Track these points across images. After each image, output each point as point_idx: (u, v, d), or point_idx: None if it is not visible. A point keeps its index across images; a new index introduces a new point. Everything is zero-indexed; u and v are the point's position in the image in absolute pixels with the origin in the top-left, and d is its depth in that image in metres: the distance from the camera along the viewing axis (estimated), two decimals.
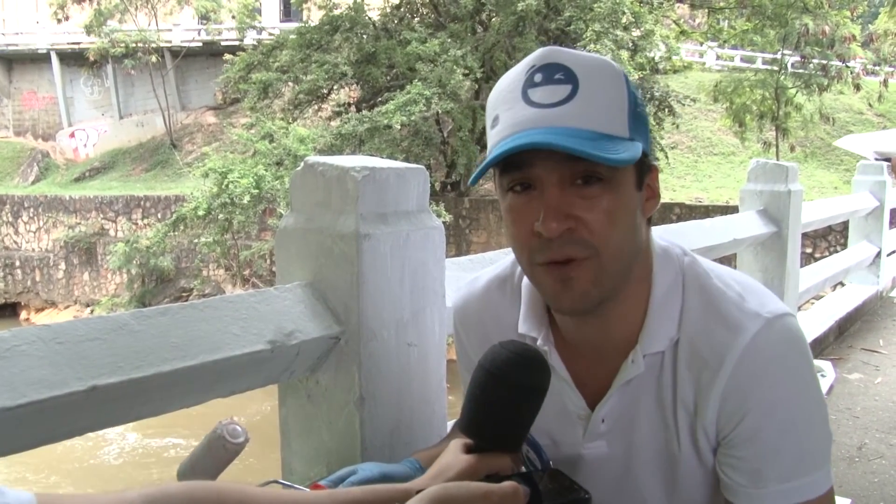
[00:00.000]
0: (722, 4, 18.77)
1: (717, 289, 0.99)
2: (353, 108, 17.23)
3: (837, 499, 1.02)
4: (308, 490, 0.89)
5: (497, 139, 0.91)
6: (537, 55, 0.93)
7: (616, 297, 0.97)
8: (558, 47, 0.94)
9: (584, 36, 14.50)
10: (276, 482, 0.96)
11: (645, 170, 0.95)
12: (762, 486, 0.95)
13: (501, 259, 1.19)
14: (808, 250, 13.71)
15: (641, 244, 0.98)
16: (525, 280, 1.08)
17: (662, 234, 1.07)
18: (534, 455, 0.98)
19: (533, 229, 0.90)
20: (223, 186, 14.92)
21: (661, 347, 0.99)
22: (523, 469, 0.95)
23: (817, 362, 3.73)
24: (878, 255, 5.77)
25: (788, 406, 0.94)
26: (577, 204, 0.89)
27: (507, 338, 0.97)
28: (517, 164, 0.90)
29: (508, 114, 0.91)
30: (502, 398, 0.88)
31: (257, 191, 14.82)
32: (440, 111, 15.16)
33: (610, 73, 0.92)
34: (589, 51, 14.08)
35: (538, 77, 0.90)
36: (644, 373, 1.00)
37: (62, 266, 20.84)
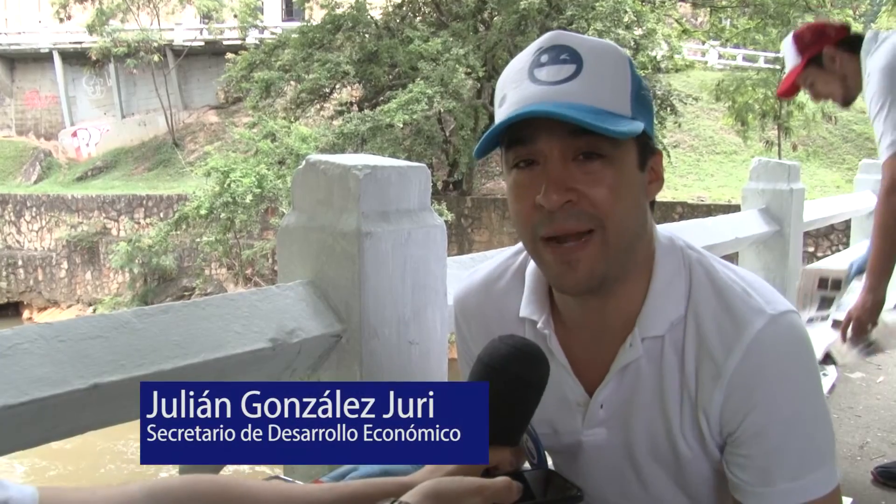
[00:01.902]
0: (724, 3, 18.76)
1: (724, 281, 0.99)
2: (355, 107, 17.24)
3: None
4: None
5: (504, 115, 0.93)
6: (545, 38, 0.95)
7: (620, 277, 0.97)
8: (565, 31, 0.97)
9: (586, 35, 14.49)
10: (278, 478, 0.96)
11: (648, 152, 0.96)
12: (770, 484, 0.95)
13: (500, 254, 1.19)
14: (811, 249, 13.71)
15: (645, 225, 0.99)
16: (529, 265, 1.08)
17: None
18: (532, 445, 0.98)
19: (535, 203, 0.91)
20: (225, 185, 14.95)
21: (660, 331, 0.99)
22: (527, 463, 0.95)
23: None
24: None
25: (793, 402, 0.94)
26: (579, 178, 0.90)
27: (509, 327, 0.97)
28: (521, 139, 0.92)
29: (515, 91, 0.93)
30: (501, 392, 0.88)
31: (259, 190, 14.84)
32: (442, 110, 15.18)
33: (614, 56, 0.94)
34: None
35: (545, 58, 0.93)
36: (644, 359, 1.00)
37: (64, 265, 20.87)
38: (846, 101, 2.34)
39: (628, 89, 0.93)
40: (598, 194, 0.90)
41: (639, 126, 0.91)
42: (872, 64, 2.18)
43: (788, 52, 2.45)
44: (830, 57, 2.32)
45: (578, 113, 0.87)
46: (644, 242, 0.99)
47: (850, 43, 2.30)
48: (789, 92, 2.48)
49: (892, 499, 2.41)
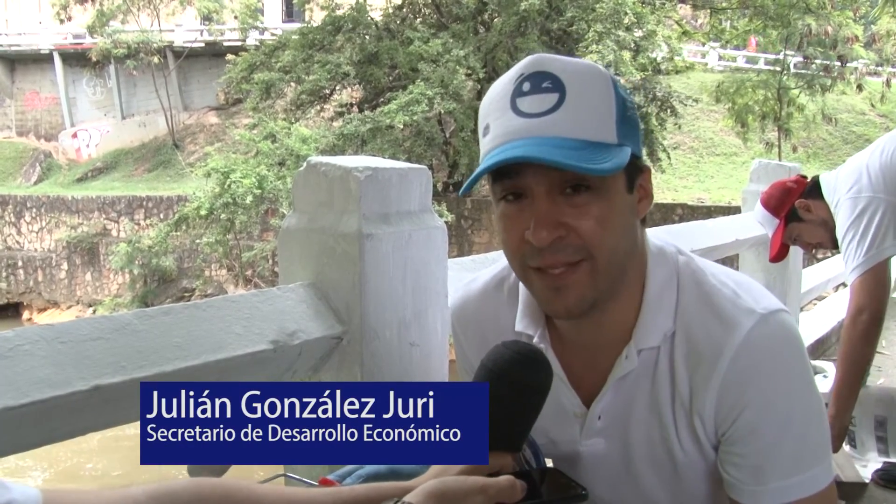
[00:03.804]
0: (724, 5, 18.77)
1: (712, 285, 1.00)
2: (355, 109, 17.25)
3: None
4: (316, 484, 0.89)
5: (488, 148, 0.93)
6: (525, 63, 0.94)
7: (610, 299, 0.97)
8: (546, 54, 0.95)
9: (587, 36, 14.51)
10: (285, 476, 0.96)
11: (636, 172, 0.96)
12: (764, 482, 0.96)
13: (500, 259, 1.20)
14: None
15: (636, 245, 0.99)
16: None
17: (665, 235, 1.07)
18: (530, 454, 0.98)
19: (524, 237, 0.91)
20: (225, 186, 14.96)
21: (655, 342, 0.99)
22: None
23: (820, 363, 3.72)
24: None
25: (785, 400, 0.95)
26: (568, 212, 0.90)
27: (505, 337, 0.97)
28: (508, 174, 0.91)
29: (498, 123, 0.92)
30: (504, 397, 0.88)
31: (259, 191, 14.85)
32: (442, 111, 15.18)
33: (598, 79, 0.92)
34: (591, 51, 14.12)
35: (526, 86, 0.91)
36: (639, 369, 1.00)
37: (64, 266, 20.86)
38: (835, 244, 2.37)
39: (613, 114, 0.92)
40: (587, 227, 0.90)
41: (626, 156, 0.91)
42: (836, 197, 2.29)
43: (764, 219, 2.54)
44: (805, 207, 2.42)
45: (563, 153, 0.86)
46: (636, 258, 1.00)
47: (815, 189, 2.40)
48: (780, 254, 2.55)
49: (894, 501, 2.41)
